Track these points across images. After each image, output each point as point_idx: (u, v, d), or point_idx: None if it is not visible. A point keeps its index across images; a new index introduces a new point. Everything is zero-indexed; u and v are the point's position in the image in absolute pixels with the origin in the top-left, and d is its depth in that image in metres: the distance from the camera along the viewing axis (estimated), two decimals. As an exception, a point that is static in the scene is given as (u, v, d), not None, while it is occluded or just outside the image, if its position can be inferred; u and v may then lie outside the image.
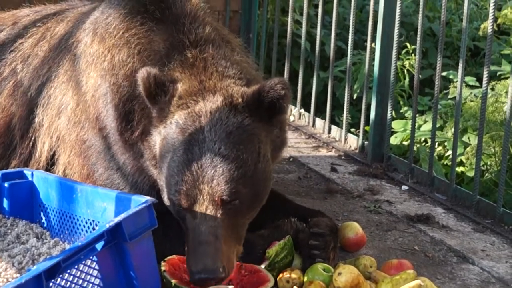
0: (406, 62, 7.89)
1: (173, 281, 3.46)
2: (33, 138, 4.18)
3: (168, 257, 3.59)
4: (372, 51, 5.84)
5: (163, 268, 3.51)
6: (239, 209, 3.49)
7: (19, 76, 4.37)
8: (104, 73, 3.87)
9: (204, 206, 3.43)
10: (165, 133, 3.57)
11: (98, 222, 3.51)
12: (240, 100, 3.58)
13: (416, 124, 6.03)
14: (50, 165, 4.16)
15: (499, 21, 8.17)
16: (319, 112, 6.67)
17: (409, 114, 6.99)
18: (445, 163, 6.22)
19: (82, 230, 3.60)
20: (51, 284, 3.08)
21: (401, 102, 7.67)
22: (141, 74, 3.57)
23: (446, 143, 6.38)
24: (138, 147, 3.77)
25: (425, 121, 6.71)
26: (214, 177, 3.42)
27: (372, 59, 5.85)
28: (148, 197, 3.34)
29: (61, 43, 4.26)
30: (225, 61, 3.79)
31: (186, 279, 3.50)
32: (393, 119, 5.91)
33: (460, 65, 5.09)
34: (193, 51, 3.78)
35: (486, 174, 6.09)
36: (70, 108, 4.03)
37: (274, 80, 3.58)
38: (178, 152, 3.49)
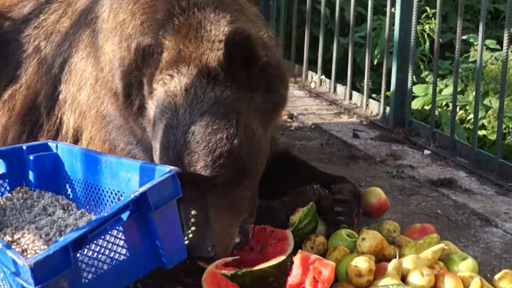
0: (426, 26, 7.83)
1: None
2: (59, 115, 4.18)
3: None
4: (392, 16, 5.80)
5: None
6: (227, 186, 3.44)
7: (43, 53, 4.37)
8: (115, 47, 3.84)
9: (189, 191, 3.38)
10: (151, 112, 3.54)
11: (123, 192, 3.52)
12: (218, 68, 3.45)
13: (437, 88, 6.00)
14: (75, 141, 4.16)
15: (519, -18, 8.06)
16: (340, 78, 6.65)
17: (430, 78, 6.96)
18: (467, 126, 6.19)
19: (107, 200, 3.61)
20: (78, 255, 3.11)
21: (422, 67, 7.63)
22: (133, 45, 3.51)
23: (467, 107, 6.35)
24: (140, 121, 3.73)
25: (446, 85, 6.68)
26: (192, 163, 3.37)
27: (392, 24, 5.81)
28: (172, 167, 3.34)
29: (81, 19, 4.25)
30: (212, 24, 3.62)
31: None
32: (414, 83, 5.88)
33: (481, 28, 5.05)
34: (180, 17, 3.64)
35: (508, 137, 6.07)
36: (90, 84, 4.02)
37: (235, 29, 3.43)
38: (158, 138, 3.45)
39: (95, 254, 3.17)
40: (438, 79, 5.89)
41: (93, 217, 3.48)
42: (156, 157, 3.51)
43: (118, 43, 3.80)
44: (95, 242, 3.16)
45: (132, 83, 3.69)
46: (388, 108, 5.83)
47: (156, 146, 3.48)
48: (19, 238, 3.44)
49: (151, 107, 3.57)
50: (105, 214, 3.14)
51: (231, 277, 3.33)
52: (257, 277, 3.40)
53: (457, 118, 5.90)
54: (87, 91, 4.02)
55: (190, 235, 3.37)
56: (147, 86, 3.56)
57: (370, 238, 3.55)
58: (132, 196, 3.18)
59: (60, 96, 4.18)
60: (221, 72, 3.45)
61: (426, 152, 5.27)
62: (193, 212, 3.39)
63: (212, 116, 3.40)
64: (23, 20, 4.57)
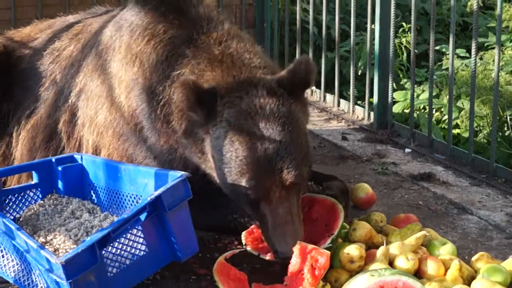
0: (403, 40, 7.85)
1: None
2: (78, 138, 4.14)
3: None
4: (372, 32, 5.80)
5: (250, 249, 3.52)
6: (303, 186, 3.48)
7: (59, 85, 4.31)
8: (135, 77, 3.80)
9: (278, 193, 3.37)
10: (218, 133, 3.43)
11: (141, 196, 3.53)
12: (281, 88, 3.48)
13: (415, 94, 6.01)
14: None
15: (484, -3, 8.09)
16: (329, 88, 6.65)
17: (408, 85, 6.96)
18: (442, 126, 6.19)
19: (127, 204, 3.62)
20: (103, 252, 3.12)
21: (401, 75, 7.64)
22: (183, 84, 3.41)
23: (442, 109, 6.36)
24: (182, 141, 3.67)
25: (423, 91, 6.68)
26: (283, 168, 3.34)
27: (372, 39, 5.81)
28: (183, 172, 3.35)
29: (91, 51, 4.20)
30: (248, 53, 3.68)
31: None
32: (394, 90, 5.88)
33: (451, 39, 5.06)
34: (219, 48, 3.67)
35: (480, 134, 6.07)
36: (106, 108, 3.98)
37: (302, 58, 3.52)
38: (241, 151, 3.37)
39: (118, 251, 3.19)
40: (415, 86, 5.89)
41: (115, 219, 3.49)
42: (226, 170, 3.42)
43: (141, 74, 3.77)
44: (117, 240, 3.18)
45: (173, 111, 3.65)
46: (372, 113, 5.83)
47: (233, 162, 3.39)
48: (51, 239, 3.46)
49: (207, 131, 3.48)
50: (126, 216, 3.16)
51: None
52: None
53: (433, 119, 5.90)
54: (103, 113, 3.98)
55: (279, 237, 3.36)
56: (204, 114, 3.46)
57: (360, 228, 3.55)
58: (149, 199, 3.20)
59: (79, 121, 4.13)
60: (283, 91, 3.47)
61: (407, 150, 5.27)
62: (281, 212, 3.38)
63: (290, 126, 3.40)
64: (39, 56, 4.51)
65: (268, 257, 3.47)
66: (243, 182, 3.37)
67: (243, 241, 3.54)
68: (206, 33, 3.75)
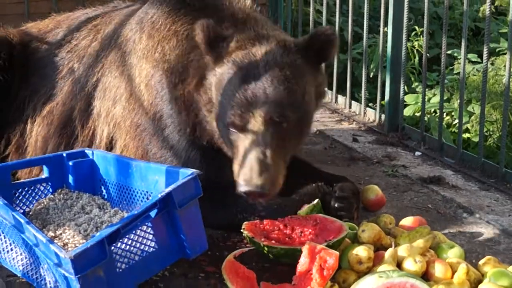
0: (416, 43, 7.83)
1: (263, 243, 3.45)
2: (92, 127, 4.17)
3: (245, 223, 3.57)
4: (385, 34, 5.78)
5: (246, 232, 3.50)
6: (286, 132, 3.47)
7: (76, 74, 4.35)
8: (156, 63, 3.87)
9: (256, 126, 3.42)
10: (221, 71, 3.56)
11: (151, 192, 3.52)
12: (292, 44, 3.59)
13: (426, 97, 5.99)
14: (109, 149, 4.15)
15: (496, 3, 8.08)
16: (341, 89, 6.63)
17: (419, 88, 6.95)
18: (452, 130, 6.17)
19: (137, 200, 3.61)
20: (113, 247, 3.11)
21: (412, 79, 7.62)
22: (200, 24, 3.57)
23: (453, 113, 6.34)
24: (195, 100, 3.74)
25: (434, 94, 6.67)
26: (266, 102, 3.41)
27: (385, 41, 5.79)
28: (194, 170, 3.34)
29: (111, 42, 4.24)
30: (270, 21, 3.90)
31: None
32: (405, 93, 5.86)
33: (463, 43, 5.03)
34: (244, 14, 3.84)
35: (489, 139, 6.05)
36: (124, 98, 4.02)
37: (325, 27, 3.63)
38: (234, 84, 3.48)
39: (127, 247, 3.18)
40: (426, 89, 5.87)
41: (125, 215, 3.47)
42: (219, 103, 3.53)
43: (161, 58, 3.87)
44: (127, 236, 3.17)
45: (187, 66, 3.77)
46: (383, 115, 5.81)
47: (224, 94, 3.50)
48: (60, 234, 3.45)
49: (214, 73, 3.59)
50: (136, 212, 3.14)
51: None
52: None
53: (444, 123, 5.87)
54: (122, 104, 4.01)
55: (244, 168, 3.37)
56: (214, 57, 3.58)
57: (369, 229, 3.53)
58: (159, 196, 3.18)
59: (94, 111, 4.16)
60: (294, 47, 3.59)
61: (417, 153, 5.24)
62: (253, 147, 3.40)
63: (289, 73, 3.50)
64: (57, 45, 4.56)
65: (263, 241, 3.44)
66: (228, 111, 3.46)
67: (243, 226, 3.53)
68: (230, 8, 3.89)
